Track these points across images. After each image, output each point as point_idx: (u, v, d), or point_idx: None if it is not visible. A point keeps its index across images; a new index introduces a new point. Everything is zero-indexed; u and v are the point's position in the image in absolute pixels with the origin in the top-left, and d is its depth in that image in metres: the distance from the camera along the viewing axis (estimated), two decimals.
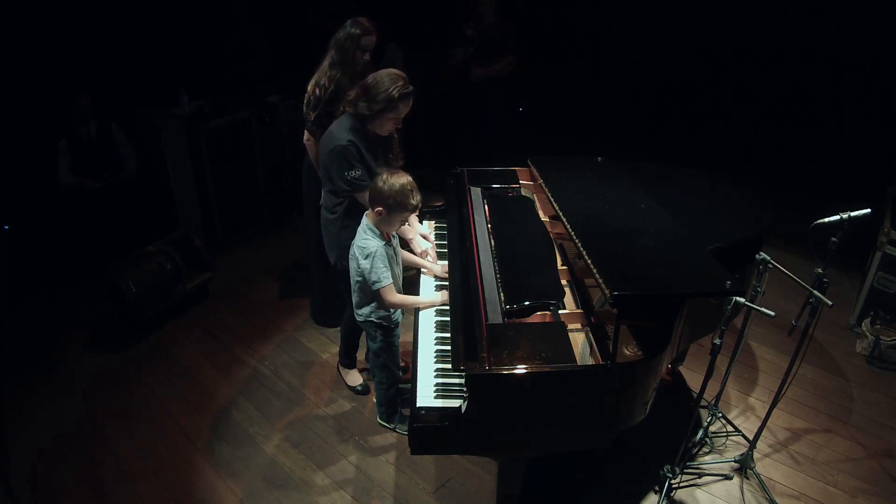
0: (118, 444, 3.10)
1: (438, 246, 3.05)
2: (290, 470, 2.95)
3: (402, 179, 2.47)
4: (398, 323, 2.87)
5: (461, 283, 2.62)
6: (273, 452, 3.05)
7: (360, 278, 2.65)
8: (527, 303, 2.31)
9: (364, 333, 2.95)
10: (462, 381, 2.21)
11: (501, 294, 2.37)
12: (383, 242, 2.58)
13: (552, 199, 2.72)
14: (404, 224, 2.74)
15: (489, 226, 2.83)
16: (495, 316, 2.30)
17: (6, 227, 4.07)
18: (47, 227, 4.25)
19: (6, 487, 2.68)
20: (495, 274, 2.50)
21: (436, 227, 3.24)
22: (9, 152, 4.10)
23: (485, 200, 3.07)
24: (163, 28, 4.67)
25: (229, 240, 4.86)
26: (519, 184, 3.26)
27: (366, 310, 2.75)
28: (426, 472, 2.91)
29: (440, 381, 2.32)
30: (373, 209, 2.54)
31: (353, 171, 2.71)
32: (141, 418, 3.27)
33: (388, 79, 2.63)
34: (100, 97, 4.13)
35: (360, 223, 2.76)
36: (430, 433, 2.12)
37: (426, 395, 2.26)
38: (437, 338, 2.53)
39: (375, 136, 2.78)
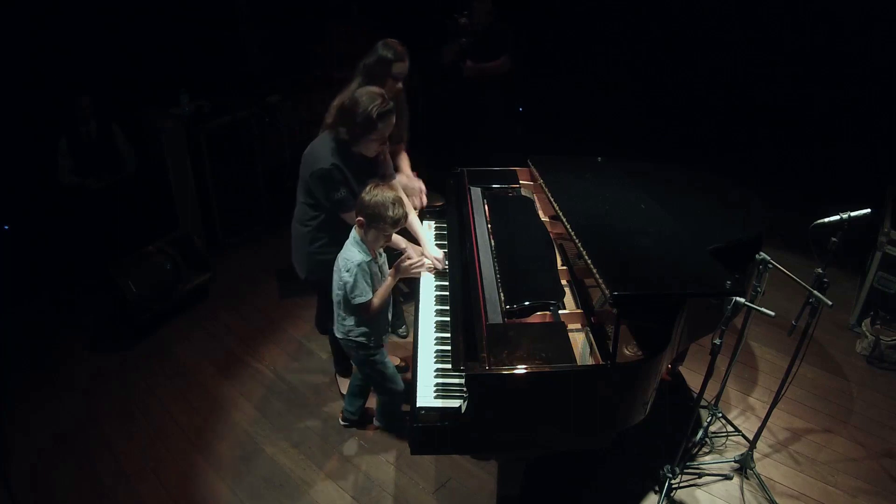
0: (118, 444, 3.11)
1: (438, 246, 3.05)
2: (290, 470, 2.95)
3: (387, 193, 2.41)
4: (381, 343, 2.75)
5: (461, 283, 2.62)
6: (273, 452, 3.05)
7: (341, 292, 2.56)
8: (527, 303, 2.32)
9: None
10: (462, 381, 2.21)
11: (501, 294, 2.37)
12: (369, 258, 2.51)
13: (552, 199, 2.72)
14: (389, 241, 2.61)
15: (489, 226, 2.83)
16: (495, 316, 2.30)
17: (6, 227, 4.08)
18: (47, 227, 4.25)
19: (6, 487, 2.68)
20: (495, 274, 2.50)
21: (436, 227, 3.24)
22: (9, 152, 4.10)
23: (485, 200, 3.07)
24: (163, 28, 4.67)
25: (229, 240, 4.86)
26: (519, 184, 3.26)
27: (347, 326, 2.65)
28: (426, 472, 2.91)
29: (440, 381, 2.32)
30: (357, 220, 2.49)
31: (337, 194, 2.62)
32: (141, 418, 3.27)
33: (366, 98, 2.53)
34: (100, 97, 4.13)
35: (332, 238, 2.71)
36: (430, 433, 2.12)
37: (426, 395, 2.26)
38: (437, 338, 2.53)
39: (361, 156, 2.68)
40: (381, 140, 2.62)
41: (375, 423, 3.11)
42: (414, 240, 2.91)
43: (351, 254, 2.50)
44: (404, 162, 3.25)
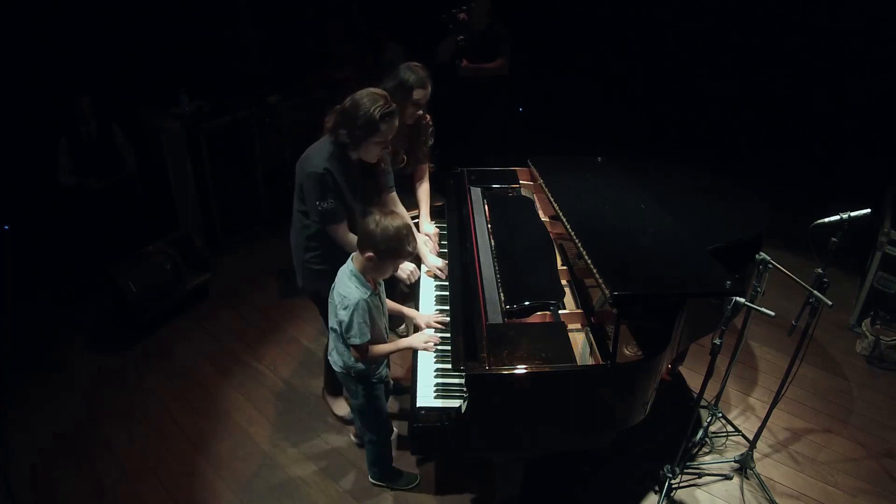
0: (118, 444, 3.10)
1: (439, 247, 3.05)
2: (289, 470, 2.95)
3: (397, 222, 2.18)
4: (381, 378, 2.56)
5: (461, 282, 2.62)
6: (272, 452, 3.05)
7: (337, 327, 2.35)
8: (527, 303, 2.32)
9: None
10: (462, 381, 2.22)
11: (501, 294, 2.37)
12: (368, 293, 2.27)
13: (552, 199, 2.72)
14: (396, 271, 2.42)
15: (489, 226, 2.83)
16: (495, 316, 2.30)
17: (6, 227, 4.08)
18: (47, 227, 4.25)
19: (6, 487, 2.67)
20: (495, 274, 2.50)
21: (435, 227, 3.24)
22: (9, 152, 4.10)
23: (485, 200, 3.07)
24: (163, 28, 4.67)
25: (229, 240, 4.85)
26: (519, 184, 3.26)
27: (344, 360, 2.45)
28: (426, 472, 2.91)
29: (440, 381, 2.32)
30: (362, 254, 2.24)
31: (325, 203, 2.47)
32: (141, 418, 3.27)
33: (368, 99, 2.41)
34: (100, 97, 4.13)
35: (325, 249, 2.54)
36: (430, 433, 2.12)
37: (426, 395, 2.26)
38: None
39: (359, 163, 2.56)
40: (383, 144, 2.50)
41: (371, 481, 2.85)
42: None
43: (348, 290, 2.26)
44: (423, 200, 3.13)
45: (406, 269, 2.68)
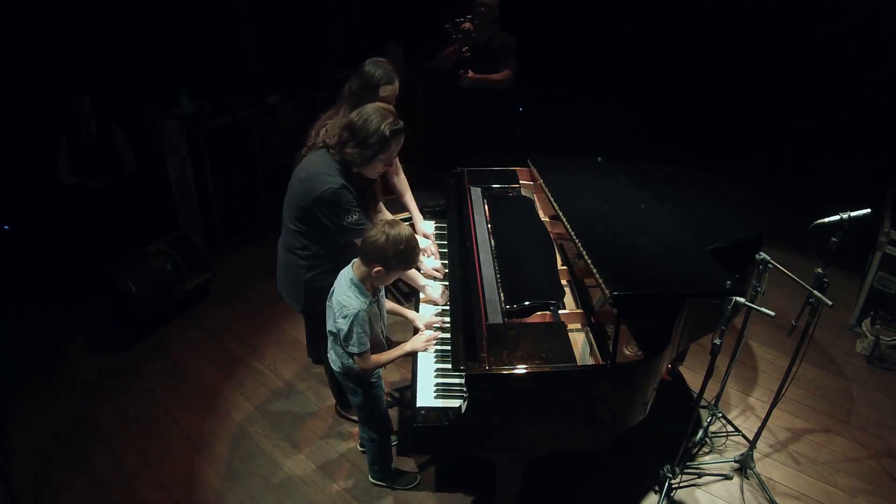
0: (118, 444, 3.10)
1: (438, 246, 3.05)
2: (289, 470, 2.95)
3: (406, 233, 2.15)
4: (379, 375, 2.55)
5: (461, 283, 2.62)
6: (272, 452, 3.05)
7: (336, 331, 2.33)
8: (527, 303, 2.32)
9: None
10: (462, 381, 2.22)
11: (501, 294, 2.37)
12: (367, 301, 2.24)
13: (552, 199, 2.72)
14: (399, 277, 2.40)
15: (489, 226, 2.83)
16: (495, 316, 2.30)
17: (6, 227, 4.07)
18: (47, 227, 4.25)
19: (6, 487, 2.68)
20: (495, 274, 2.50)
21: (436, 227, 3.24)
22: (9, 152, 4.10)
23: (485, 200, 3.07)
24: (163, 28, 4.67)
25: (229, 240, 4.86)
26: (519, 184, 3.26)
27: (342, 361, 2.43)
28: (426, 472, 2.91)
29: (440, 381, 2.32)
30: (367, 266, 2.20)
31: (351, 217, 2.40)
32: (141, 418, 3.27)
33: (377, 115, 2.34)
34: (100, 97, 4.13)
35: (334, 265, 2.44)
36: (430, 433, 2.13)
37: (426, 395, 2.26)
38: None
39: (357, 176, 2.48)
40: (388, 161, 2.45)
41: (371, 480, 2.86)
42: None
43: (348, 299, 2.23)
44: (408, 195, 3.10)
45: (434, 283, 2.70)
